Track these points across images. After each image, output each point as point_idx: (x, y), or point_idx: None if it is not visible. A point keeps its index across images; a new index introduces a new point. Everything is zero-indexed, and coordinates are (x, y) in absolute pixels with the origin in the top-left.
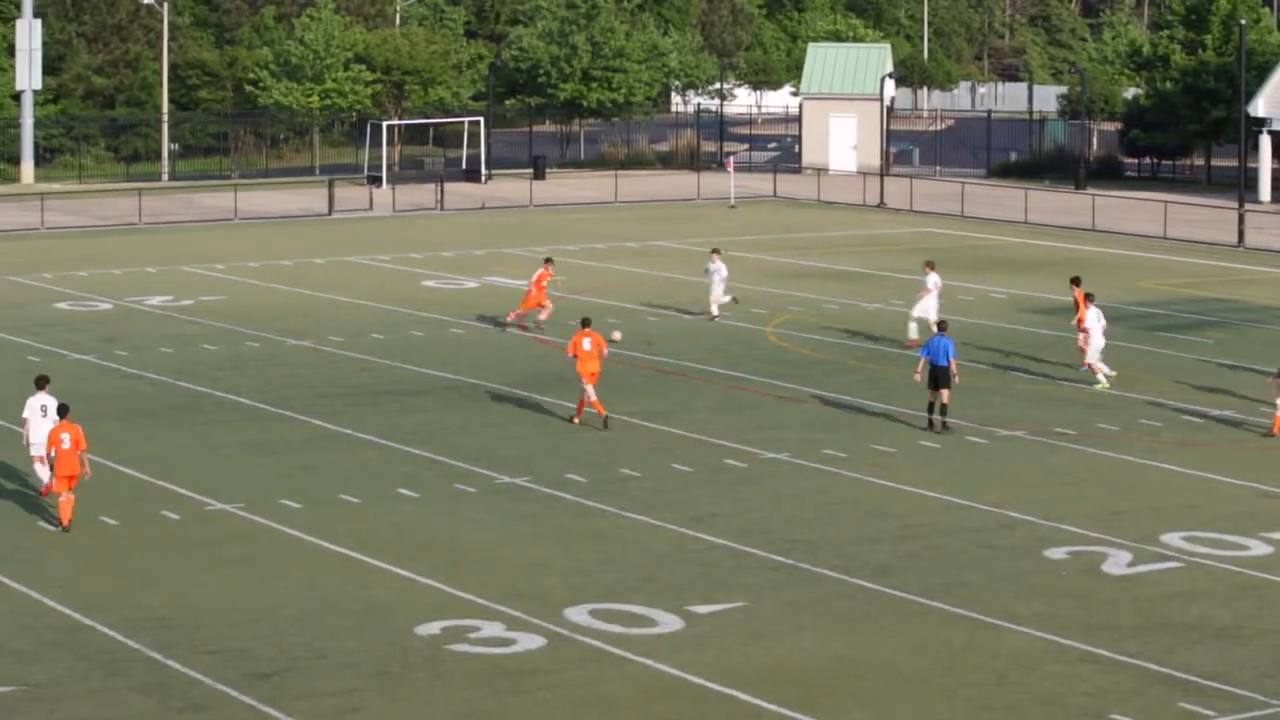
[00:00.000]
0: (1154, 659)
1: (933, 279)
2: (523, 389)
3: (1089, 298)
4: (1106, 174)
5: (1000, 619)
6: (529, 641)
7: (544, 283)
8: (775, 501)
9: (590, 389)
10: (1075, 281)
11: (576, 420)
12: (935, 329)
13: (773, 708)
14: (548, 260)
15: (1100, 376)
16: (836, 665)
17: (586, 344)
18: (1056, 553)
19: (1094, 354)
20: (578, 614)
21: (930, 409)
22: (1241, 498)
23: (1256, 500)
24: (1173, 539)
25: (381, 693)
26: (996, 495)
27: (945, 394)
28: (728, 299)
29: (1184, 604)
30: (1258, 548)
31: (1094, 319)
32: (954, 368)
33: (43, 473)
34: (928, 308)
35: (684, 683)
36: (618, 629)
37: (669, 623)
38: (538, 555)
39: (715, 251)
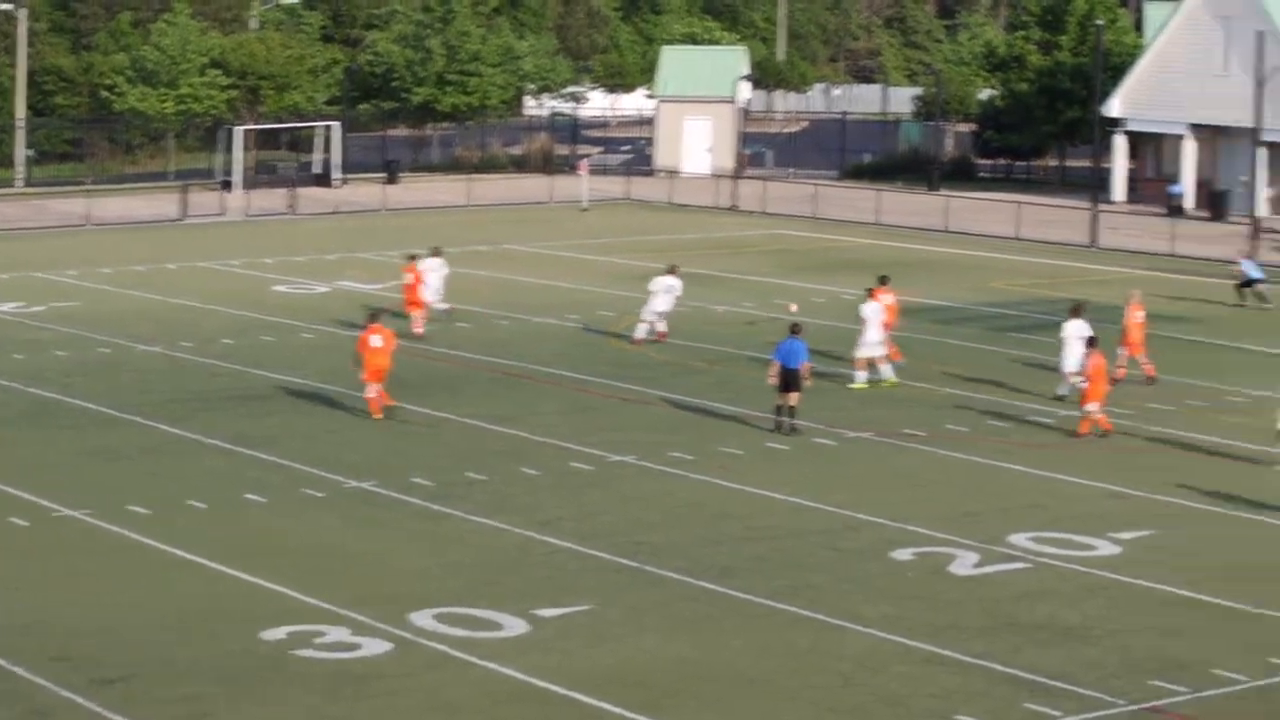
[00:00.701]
0: (1000, 659)
1: (664, 282)
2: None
3: (873, 291)
4: (960, 175)
5: (846, 620)
6: (375, 646)
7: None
8: (621, 504)
9: (372, 386)
10: (882, 281)
11: (377, 415)
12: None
13: (617, 710)
14: (412, 258)
15: (859, 376)
16: (681, 668)
17: (376, 340)
18: (903, 554)
19: (866, 348)
20: (423, 618)
21: (778, 411)
22: (1089, 498)
23: (1104, 501)
24: (1020, 539)
25: (228, 698)
26: (843, 497)
27: (794, 397)
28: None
29: (1031, 604)
30: (1105, 548)
31: (872, 312)
32: (805, 371)
33: None
34: (657, 307)
35: (529, 686)
36: (463, 633)
37: (514, 626)
38: (384, 559)
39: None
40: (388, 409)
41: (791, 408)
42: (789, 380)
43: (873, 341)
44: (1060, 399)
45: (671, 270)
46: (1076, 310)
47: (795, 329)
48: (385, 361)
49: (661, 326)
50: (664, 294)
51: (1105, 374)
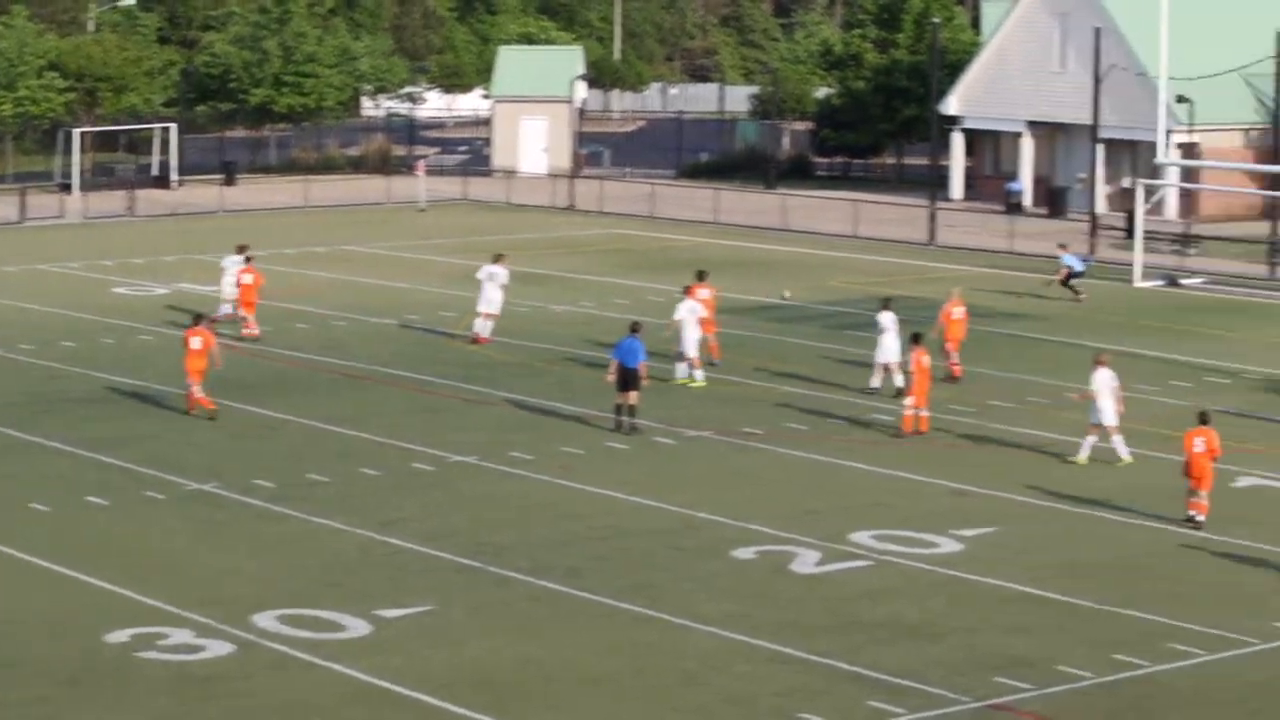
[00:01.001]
0: (844, 657)
1: (487, 270)
2: (211, 395)
3: (690, 289)
4: (798, 174)
5: (689, 619)
6: (218, 648)
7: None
8: (463, 505)
9: (196, 386)
10: (700, 276)
11: (192, 412)
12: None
13: (461, 711)
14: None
15: (681, 370)
16: (525, 668)
17: (196, 342)
18: (745, 553)
19: (690, 347)
20: (266, 620)
21: (618, 410)
22: (931, 495)
23: (946, 498)
24: (862, 537)
25: (72, 701)
26: (684, 496)
27: (634, 396)
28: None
29: (873, 602)
30: (947, 545)
31: (686, 310)
32: (643, 370)
33: None
34: (488, 297)
35: (372, 687)
36: (306, 634)
37: (357, 627)
38: (226, 561)
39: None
40: (205, 410)
41: (631, 407)
42: (627, 379)
43: (693, 340)
44: (873, 391)
45: (497, 259)
46: (886, 303)
47: (635, 328)
48: (203, 363)
49: (485, 331)
50: (488, 282)
51: (928, 372)
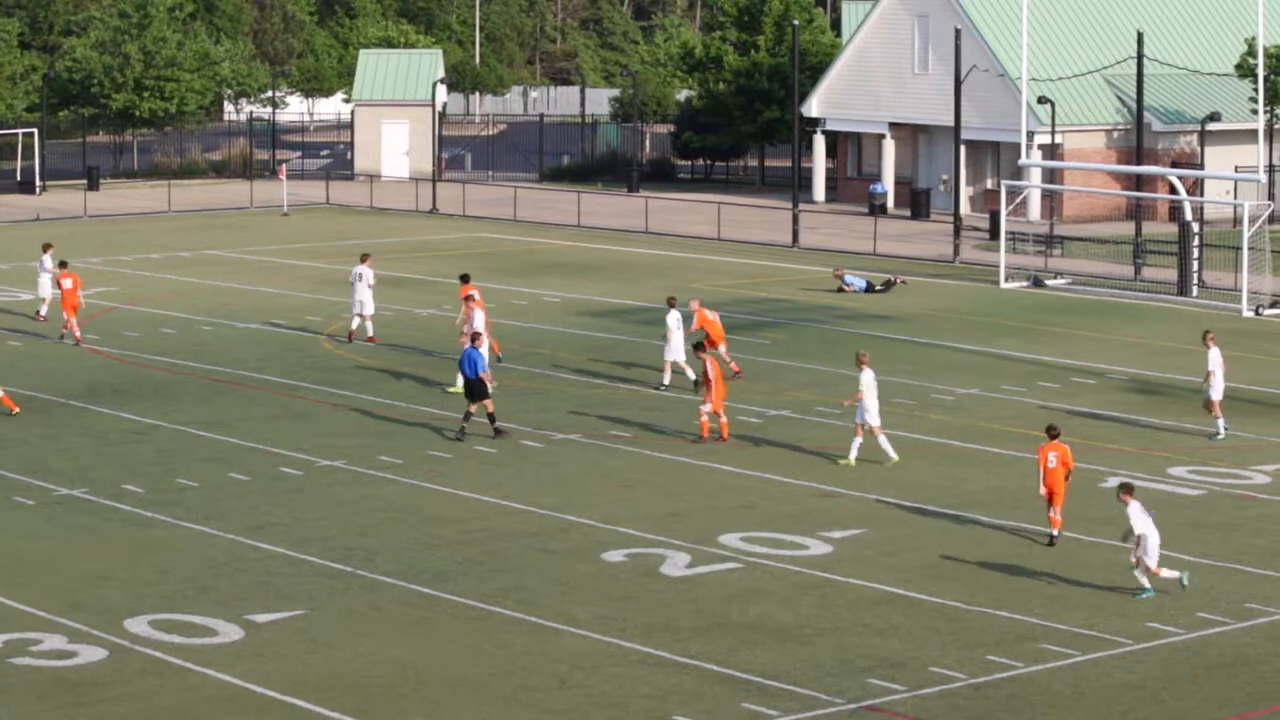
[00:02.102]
0: (715, 659)
1: (355, 270)
2: (79, 400)
3: (470, 299)
4: (660, 176)
5: (560, 623)
6: (91, 654)
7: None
8: (332, 509)
9: None
10: (464, 279)
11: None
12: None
13: (334, 715)
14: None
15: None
16: (397, 671)
17: None
18: (615, 555)
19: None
20: (138, 625)
21: (465, 418)
22: (799, 497)
23: (814, 500)
24: (731, 540)
25: None
26: (553, 499)
27: (488, 404)
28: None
29: (744, 604)
30: (817, 547)
31: (480, 318)
32: (486, 378)
33: None
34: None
35: (245, 692)
36: (178, 639)
37: (229, 632)
38: (97, 566)
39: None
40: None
41: (490, 413)
42: (472, 389)
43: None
44: (661, 389)
45: (363, 259)
46: (671, 302)
47: (475, 339)
48: None
49: (369, 330)
50: (358, 283)
51: (721, 377)
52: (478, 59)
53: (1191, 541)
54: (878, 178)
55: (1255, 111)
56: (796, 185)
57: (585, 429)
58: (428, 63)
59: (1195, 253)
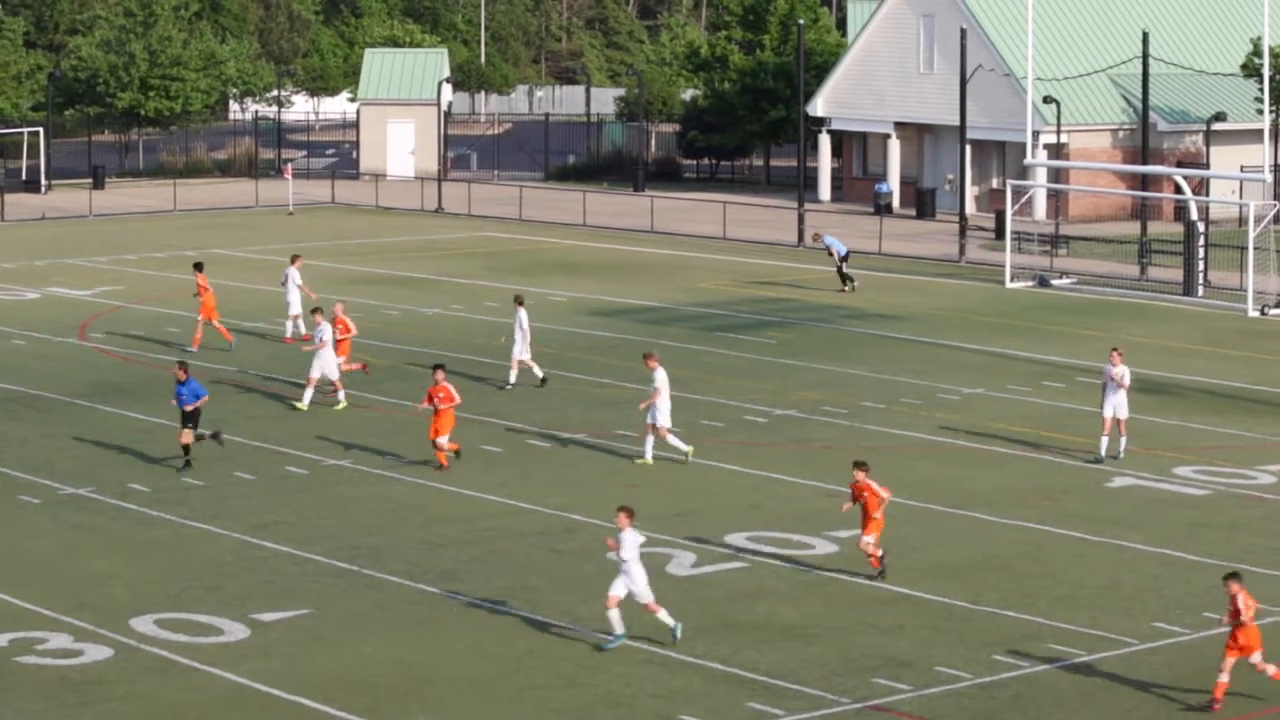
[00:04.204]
0: (721, 659)
1: (284, 273)
2: (85, 399)
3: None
4: (665, 176)
5: (566, 622)
6: (97, 652)
7: None
8: (338, 508)
9: None
10: (197, 267)
11: None
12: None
13: (340, 714)
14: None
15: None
16: (402, 671)
17: None
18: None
19: (324, 369)
20: (144, 624)
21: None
22: (805, 497)
23: (820, 499)
24: (737, 539)
25: None
26: (559, 499)
27: (186, 434)
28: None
29: (750, 603)
30: (823, 546)
31: (326, 332)
32: (201, 404)
33: None
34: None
35: (251, 691)
36: (184, 638)
37: (235, 631)
38: (103, 566)
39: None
40: None
41: (184, 445)
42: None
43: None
44: (507, 387)
45: (293, 260)
46: (520, 301)
47: (182, 365)
48: None
49: (288, 332)
50: (290, 285)
51: (451, 400)
52: (483, 58)
53: (1196, 541)
54: (883, 177)
55: (1261, 111)
56: (802, 185)
57: (591, 428)
58: (433, 62)
59: (1201, 253)
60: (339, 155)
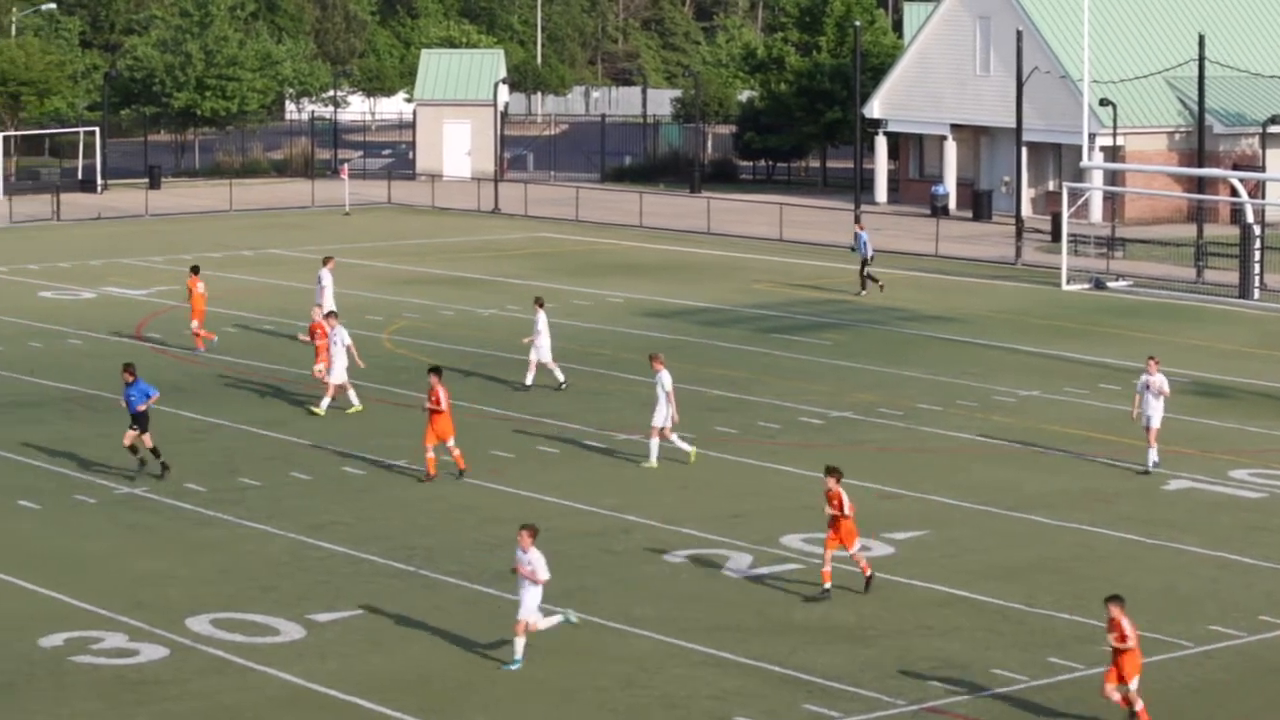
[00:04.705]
0: (778, 661)
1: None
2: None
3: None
4: (722, 177)
5: (623, 623)
6: (152, 652)
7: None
8: (394, 509)
9: None
10: (194, 270)
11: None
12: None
13: (396, 714)
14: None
15: (351, 398)
16: (459, 671)
17: None
18: (677, 556)
19: (340, 375)
20: (200, 624)
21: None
22: (861, 499)
23: (876, 501)
24: (793, 541)
25: (6, 705)
26: (615, 499)
27: (146, 438)
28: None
29: (806, 605)
30: (879, 549)
31: (339, 338)
32: (150, 403)
33: None
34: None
35: (307, 691)
36: (240, 638)
37: (291, 631)
38: (159, 565)
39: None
40: None
41: (151, 448)
42: (135, 420)
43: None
44: (524, 388)
45: (325, 262)
46: (540, 303)
47: (128, 367)
48: None
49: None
50: (323, 287)
51: (445, 403)
52: (539, 59)
53: (1253, 544)
54: (939, 179)
55: None
56: (859, 186)
57: (646, 429)
58: (490, 63)
59: (1257, 255)
60: (395, 155)
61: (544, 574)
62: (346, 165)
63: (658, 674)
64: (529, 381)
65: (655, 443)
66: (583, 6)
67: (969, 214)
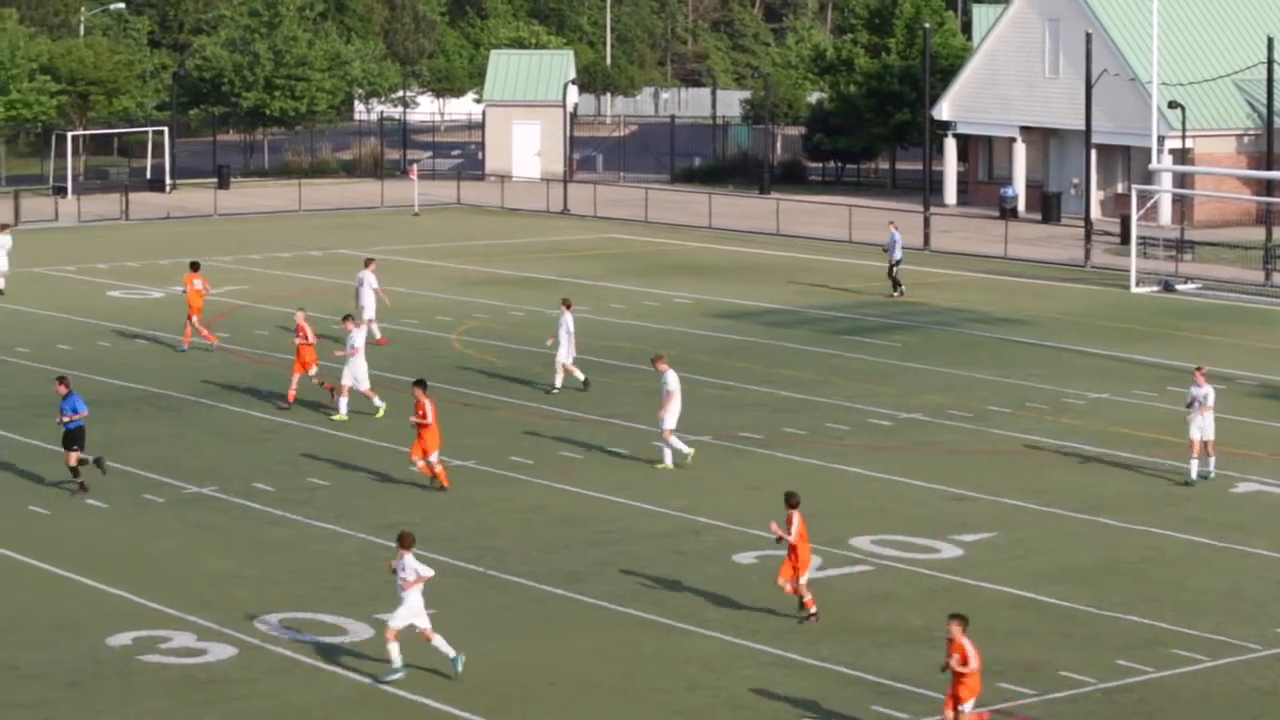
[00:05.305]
0: (845, 662)
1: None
2: (209, 399)
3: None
4: (791, 178)
5: (691, 624)
6: (220, 651)
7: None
8: (463, 509)
9: None
10: (193, 266)
11: None
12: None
13: (464, 714)
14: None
15: (375, 401)
16: (526, 672)
17: None
18: (745, 557)
19: (355, 377)
20: (268, 623)
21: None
22: (930, 501)
23: (945, 503)
24: (862, 542)
25: (74, 704)
26: (684, 501)
27: (72, 456)
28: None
29: (874, 607)
30: (947, 550)
31: (359, 338)
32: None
33: None
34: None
35: (375, 691)
36: (308, 638)
37: (359, 631)
38: (227, 565)
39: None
40: None
41: (71, 468)
42: (69, 437)
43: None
44: (552, 391)
45: (366, 264)
46: (567, 304)
47: (62, 379)
48: None
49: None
50: (365, 289)
51: (432, 416)
52: (609, 60)
53: None
54: (1008, 181)
55: None
56: (928, 188)
57: (715, 430)
58: (559, 63)
59: None
60: (464, 156)
61: (426, 573)
62: (416, 166)
63: (725, 675)
64: (558, 384)
65: (670, 443)
66: (652, 8)
67: (1038, 216)
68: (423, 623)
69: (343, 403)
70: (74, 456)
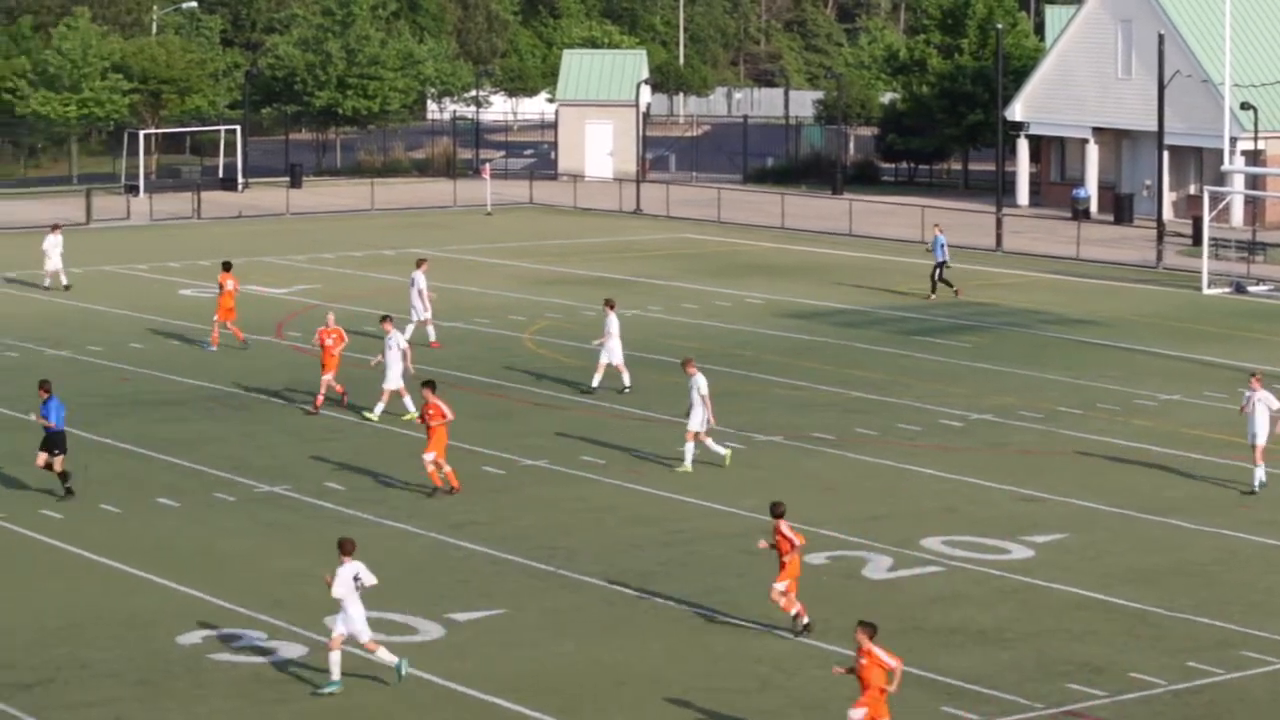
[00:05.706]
0: (916, 663)
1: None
2: (281, 398)
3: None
4: (863, 179)
5: (762, 624)
6: (290, 650)
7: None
8: (534, 508)
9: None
10: (225, 266)
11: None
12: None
13: (535, 714)
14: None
15: (408, 405)
16: (598, 672)
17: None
18: (817, 558)
19: (395, 381)
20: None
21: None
22: (1001, 501)
23: (1015, 504)
24: (933, 543)
25: (144, 702)
26: (755, 501)
27: (58, 460)
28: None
29: (945, 608)
30: (1018, 551)
31: (394, 343)
32: (39, 421)
33: None
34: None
35: (446, 690)
36: (379, 637)
37: (430, 631)
38: (298, 564)
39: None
40: None
41: (60, 472)
42: (50, 441)
43: (399, 373)
44: (590, 391)
45: (418, 264)
46: (610, 304)
47: (44, 384)
48: None
49: (432, 335)
50: (417, 289)
51: (444, 417)
52: (682, 60)
53: None
54: (1081, 182)
55: None
56: (1000, 189)
57: (787, 430)
58: (632, 63)
59: None
60: (537, 156)
61: (339, 589)
62: (488, 165)
63: (795, 675)
64: (595, 384)
65: (690, 446)
66: (725, 8)
67: (1110, 217)
68: (351, 630)
69: (408, 401)
70: (43, 458)
